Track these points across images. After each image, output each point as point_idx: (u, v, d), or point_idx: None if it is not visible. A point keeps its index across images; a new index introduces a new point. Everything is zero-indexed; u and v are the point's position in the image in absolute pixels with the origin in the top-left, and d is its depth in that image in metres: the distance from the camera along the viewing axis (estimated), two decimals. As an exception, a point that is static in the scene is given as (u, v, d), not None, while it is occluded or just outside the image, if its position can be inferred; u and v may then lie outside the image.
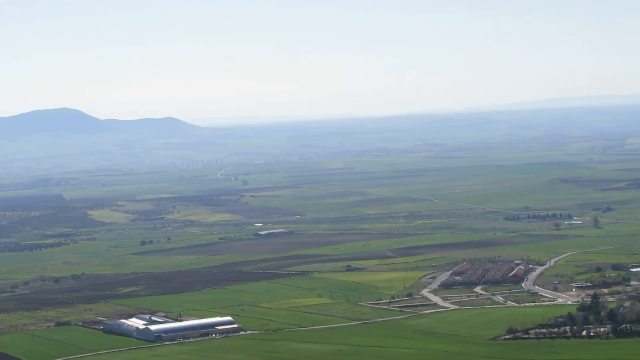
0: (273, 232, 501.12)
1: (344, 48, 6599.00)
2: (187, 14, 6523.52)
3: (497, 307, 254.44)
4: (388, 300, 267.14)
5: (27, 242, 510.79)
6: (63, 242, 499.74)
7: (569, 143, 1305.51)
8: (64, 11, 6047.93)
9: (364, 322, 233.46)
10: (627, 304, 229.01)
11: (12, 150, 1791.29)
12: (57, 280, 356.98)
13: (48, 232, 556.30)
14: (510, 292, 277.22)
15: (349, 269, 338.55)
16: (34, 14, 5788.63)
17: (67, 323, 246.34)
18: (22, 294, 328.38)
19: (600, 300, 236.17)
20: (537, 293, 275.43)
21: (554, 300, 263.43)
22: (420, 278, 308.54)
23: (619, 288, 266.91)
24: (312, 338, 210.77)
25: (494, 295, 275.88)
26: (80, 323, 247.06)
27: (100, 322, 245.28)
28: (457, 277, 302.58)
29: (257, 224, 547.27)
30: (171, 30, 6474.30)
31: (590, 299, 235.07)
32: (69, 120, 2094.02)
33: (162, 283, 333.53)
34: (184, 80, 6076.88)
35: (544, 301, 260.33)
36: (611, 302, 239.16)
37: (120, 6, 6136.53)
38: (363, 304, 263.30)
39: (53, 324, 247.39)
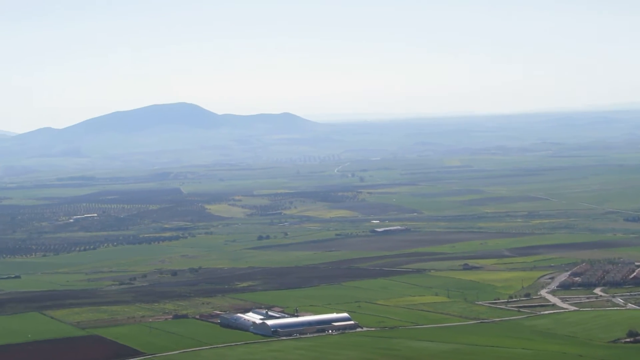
0: (390, 230, 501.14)
1: (461, 47, 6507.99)
2: (301, 10, 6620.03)
3: (617, 309, 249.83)
4: (506, 300, 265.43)
5: (146, 235, 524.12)
6: (181, 235, 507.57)
7: None
8: (181, 4, 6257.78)
9: (481, 322, 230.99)
10: None
11: (131, 143, 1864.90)
12: (174, 273, 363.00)
13: (166, 226, 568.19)
14: (630, 295, 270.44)
15: (466, 268, 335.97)
16: (149, 9, 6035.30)
17: (185, 316, 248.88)
18: (140, 286, 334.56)
19: None
20: None
21: None
22: (539, 278, 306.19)
23: None
24: (428, 336, 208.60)
25: (613, 297, 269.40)
26: (197, 316, 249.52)
27: (217, 315, 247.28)
28: (576, 278, 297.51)
29: (374, 221, 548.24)
30: (290, 26, 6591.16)
31: None
32: (186, 115, 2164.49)
33: (279, 278, 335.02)
34: (300, 77, 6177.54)
35: None
36: None
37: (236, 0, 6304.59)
38: (480, 303, 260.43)
39: (171, 316, 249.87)
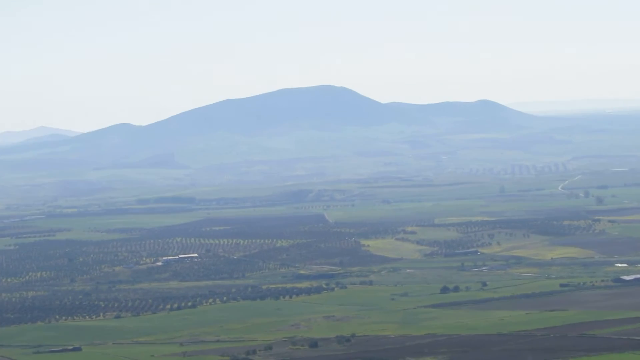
0: None
1: None
2: None
3: None
4: None
5: (271, 286, 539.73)
6: (324, 286, 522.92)
7: None
8: None
9: None
10: None
11: (248, 147, 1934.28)
12: (314, 344, 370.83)
13: (302, 272, 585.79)
14: None
15: None
16: None
17: None
18: None
19: None
20: None
21: None
22: None
23: None
24: None
25: None
26: None
27: None
28: None
29: (619, 264, 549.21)
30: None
31: None
32: (334, 105, 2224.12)
33: (474, 351, 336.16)
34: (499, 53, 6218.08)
35: None
36: None
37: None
38: None
39: None
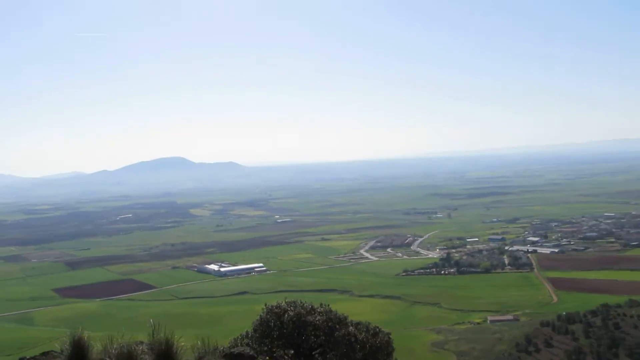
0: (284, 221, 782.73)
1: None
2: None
3: (398, 259, 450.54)
4: (343, 255, 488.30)
5: (159, 225, 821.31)
6: (176, 225, 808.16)
7: (438, 175, 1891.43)
8: None
9: (330, 267, 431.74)
10: (464, 257, 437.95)
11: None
12: (173, 245, 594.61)
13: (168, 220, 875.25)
14: (405, 251, 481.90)
15: (324, 239, 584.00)
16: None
17: (178, 267, 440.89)
18: (155, 252, 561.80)
19: (451, 255, 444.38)
20: (419, 252, 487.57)
21: (427, 255, 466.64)
22: (360, 244, 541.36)
23: (460, 249, 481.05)
24: (304, 274, 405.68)
25: (397, 253, 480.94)
26: (185, 267, 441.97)
27: (195, 266, 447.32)
28: (378, 243, 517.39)
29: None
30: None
31: (445, 255, 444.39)
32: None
33: (227, 246, 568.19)
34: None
35: (422, 256, 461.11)
36: (456, 256, 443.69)
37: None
38: (331, 257, 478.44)
39: (170, 267, 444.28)
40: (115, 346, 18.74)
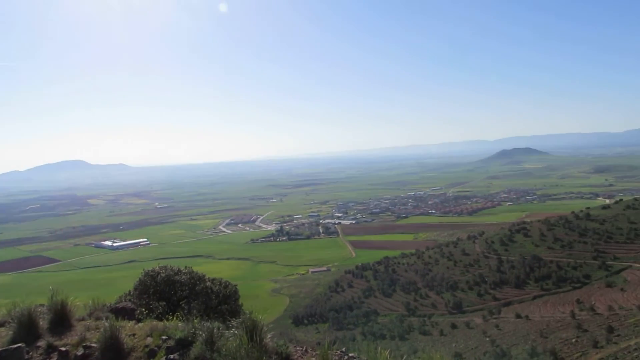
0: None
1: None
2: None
3: (247, 231, 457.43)
4: (207, 230, 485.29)
5: (63, 212, 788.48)
6: (76, 212, 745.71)
7: (274, 172, 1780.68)
8: None
9: (198, 239, 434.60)
10: (292, 229, 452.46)
11: None
12: (74, 227, 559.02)
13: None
14: (251, 226, 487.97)
15: (192, 219, 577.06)
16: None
17: (79, 244, 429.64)
18: (59, 234, 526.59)
19: (283, 227, 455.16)
20: (261, 226, 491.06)
21: (267, 228, 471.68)
22: (219, 222, 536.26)
23: (290, 223, 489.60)
24: (179, 245, 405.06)
25: (245, 227, 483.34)
26: (84, 244, 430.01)
27: (92, 243, 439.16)
28: (232, 221, 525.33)
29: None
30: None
31: (280, 227, 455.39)
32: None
33: (118, 226, 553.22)
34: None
35: (263, 229, 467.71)
36: (287, 228, 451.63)
37: None
38: (198, 232, 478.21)
39: (72, 245, 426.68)
40: (17, 309, 16.99)
